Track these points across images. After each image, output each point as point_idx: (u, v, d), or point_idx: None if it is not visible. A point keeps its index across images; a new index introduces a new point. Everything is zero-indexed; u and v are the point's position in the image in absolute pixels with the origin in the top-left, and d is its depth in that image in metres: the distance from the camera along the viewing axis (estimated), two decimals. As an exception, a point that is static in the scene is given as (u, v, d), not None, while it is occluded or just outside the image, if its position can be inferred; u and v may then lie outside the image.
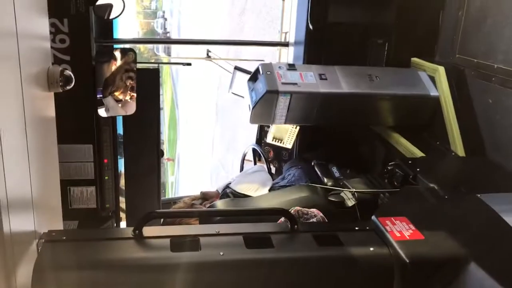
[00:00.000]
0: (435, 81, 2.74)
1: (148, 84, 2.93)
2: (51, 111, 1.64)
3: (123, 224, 3.13)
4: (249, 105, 2.72)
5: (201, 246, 1.40)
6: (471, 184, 2.01)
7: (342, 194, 2.42)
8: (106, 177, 2.90)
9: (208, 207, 2.67)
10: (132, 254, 1.40)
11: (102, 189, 2.90)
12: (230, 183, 2.95)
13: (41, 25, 1.60)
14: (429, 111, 2.75)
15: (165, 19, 24.43)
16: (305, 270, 1.42)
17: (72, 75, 1.56)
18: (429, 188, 1.94)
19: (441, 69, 2.70)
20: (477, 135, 2.48)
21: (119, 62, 2.73)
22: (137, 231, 1.44)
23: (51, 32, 2.49)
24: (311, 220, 2.02)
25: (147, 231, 1.45)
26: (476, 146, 2.47)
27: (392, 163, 2.26)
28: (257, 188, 2.83)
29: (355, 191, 2.37)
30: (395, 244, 1.44)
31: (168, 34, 22.93)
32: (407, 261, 1.39)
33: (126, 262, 1.37)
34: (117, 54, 2.74)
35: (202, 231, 1.48)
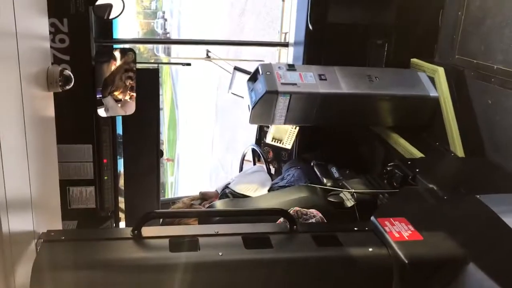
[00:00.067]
0: (434, 81, 2.75)
1: (147, 84, 2.93)
2: (50, 111, 1.64)
3: (122, 224, 3.13)
4: (248, 106, 2.72)
5: (200, 246, 1.40)
6: (470, 185, 2.01)
7: (341, 194, 2.42)
8: (106, 177, 2.90)
9: (207, 207, 2.67)
10: (131, 254, 1.40)
11: (102, 189, 2.90)
12: (229, 183, 2.95)
13: (41, 25, 1.60)
14: (428, 111, 2.75)
15: (165, 20, 24.44)
16: (304, 271, 1.42)
17: (71, 75, 1.56)
18: (428, 189, 1.94)
19: (441, 70, 2.70)
20: (476, 135, 2.48)
21: (118, 62, 2.73)
22: (136, 231, 1.44)
23: (50, 32, 2.49)
24: (310, 221, 2.02)
25: (146, 231, 1.45)
26: (475, 147, 2.47)
27: (392, 163, 2.26)
28: (256, 189, 2.83)
29: (354, 192, 2.37)
30: (394, 245, 1.44)
31: (168, 35, 22.94)
32: (406, 261, 1.39)
33: (125, 262, 1.37)
34: (117, 54, 2.73)
35: (201, 231, 1.48)
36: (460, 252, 1.44)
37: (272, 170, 3.49)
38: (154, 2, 30.06)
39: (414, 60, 2.96)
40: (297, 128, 3.20)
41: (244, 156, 3.70)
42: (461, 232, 1.55)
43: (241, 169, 3.70)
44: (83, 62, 2.62)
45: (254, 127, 3.56)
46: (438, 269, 1.42)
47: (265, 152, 3.47)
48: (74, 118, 2.57)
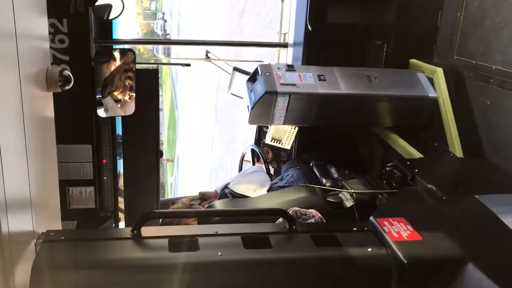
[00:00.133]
0: (433, 82, 2.75)
1: (147, 84, 2.93)
2: (50, 111, 1.64)
3: (121, 225, 3.13)
4: (248, 106, 2.73)
5: (199, 247, 1.40)
6: (469, 185, 2.01)
7: (340, 195, 2.42)
8: (105, 178, 2.90)
9: (206, 208, 2.67)
10: (130, 254, 1.40)
11: (101, 189, 2.90)
12: (228, 184, 2.95)
13: (40, 25, 1.60)
14: (427, 112, 2.75)
15: (165, 21, 24.44)
16: (303, 271, 1.42)
17: (71, 75, 1.56)
18: (427, 189, 1.94)
19: (440, 71, 2.70)
20: (475, 136, 2.48)
21: (118, 63, 2.73)
22: (135, 231, 1.44)
23: (50, 32, 2.49)
24: (309, 221, 2.02)
25: (146, 231, 1.45)
26: (474, 147, 2.47)
27: (391, 164, 2.26)
28: (255, 189, 2.83)
29: (353, 192, 2.38)
30: (393, 245, 1.44)
31: (168, 36, 22.93)
32: (405, 261, 1.39)
33: (124, 262, 1.37)
34: (116, 54, 2.74)
35: (200, 231, 1.49)
36: (459, 252, 1.44)
37: (271, 170, 3.49)
38: (154, 3, 30.07)
39: (413, 60, 2.96)
40: (296, 128, 3.21)
41: (243, 156, 3.71)
42: (460, 232, 1.55)
43: (240, 169, 3.70)
44: (82, 63, 2.62)
45: (254, 128, 3.56)
46: (437, 269, 1.42)
47: (264, 153, 3.48)
48: (74, 119, 2.58)
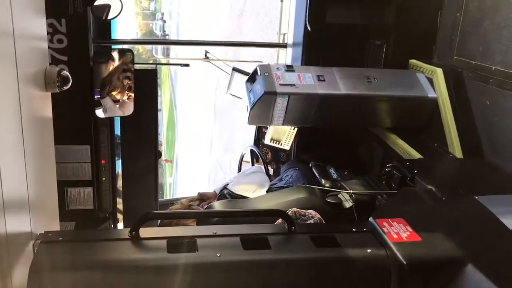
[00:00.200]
0: (433, 82, 2.75)
1: (146, 84, 2.92)
2: (48, 112, 1.64)
3: (120, 225, 3.12)
4: (247, 106, 2.72)
5: (198, 247, 1.40)
6: (469, 186, 2.01)
7: (339, 195, 2.42)
8: (104, 178, 2.90)
9: (205, 208, 2.66)
10: (129, 255, 1.39)
11: (100, 190, 2.90)
12: (227, 184, 2.95)
13: (39, 25, 1.60)
14: (427, 112, 2.75)
15: (164, 22, 24.44)
16: (302, 272, 1.41)
17: (69, 75, 1.56)
18: (427, 190, 1.93)
19: (439, 71, 2.70)
20: (475, 137, 2.48)
21: (117, 63, 2.72)
22: (133, 232, 1.43)
23: (48, 32, 2.49)
24: (308, 222, 2.02)
25: (144, 232, 1.44)
26: (474, 148, 2.47)
27: (390, 164, 2.26)
28: (254, 189, 2.82)
29: (352, 193, 2.37)
30: (392, 246, 1.44)
31: (167, 37, 22.93)
32: (404, 262, 1.39)
33: (122, 263, 1.37)
34: (115, 54, 2.73)
35: (199, 232, 1.48)
36: (458, 253, 1.44)
37: (271, 171, 3.49)
38: (153, 3, 30.07)
39: (412, 61, 2.96)
40: (296, 129, 3.20)
41: (242, 157, 3.70)
42: (459, 233, 1.55)
43: (239, 169, 3.69)
44: (81, 63, 2.62)
45: (253, 128, 3.56)
46: (436, 270, 1.42)
47: (263, 153, 3.47)
48: (72, 119, 2.57)
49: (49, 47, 2.18)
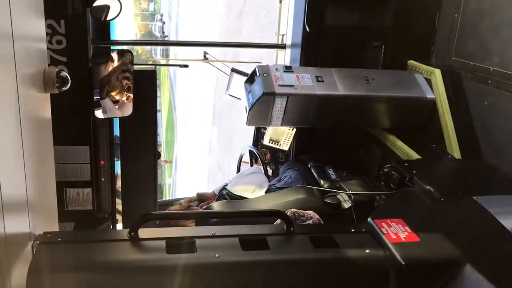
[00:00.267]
0: (431, 83, 2.75)
1: (145, 85, 2.92)
2: (47, 112, 1.64)
3: (119, 226, 3.12)
4: (245, 107, 2.73)
5: (196, 248, 1.40)
6: (467, 187, 2.01)
7: (338, 196, 2.43)
8: (103, 179, 2.90)
9: (204, 209, 2.66)
10: (128, 256, 1.39)
11: (99, 190, 2.90)
12: (226, 185, 2.95)
13: (38, 26, 1.60)
14: (425, 113, 2.75)
15: (163, 23, 24.43)
16: (301, 272, 1.41)
17: (68, 76, 1.56)
18: (425, 191, 1.94)
19: (437, 72, 2.71)
20: (473, 137, 2.49)
21: (116, 64, 2.72)
22: (132, 233, 1.43)
23: (47, 33, 2.49)
24: (307, 222, 2.02)
25: (143, 233, 1.44)
26: (472, 149, 2.48)
27: (388, 165, 2.26)
28: (253, 190, 2.83)
29: (351, 193, 2.38)
30: (391, 246, 1.44)
31: (166, 38, 22.93)
32: (403, 263, 1.39)
33: (121, 264, 1.37)
34: (114, 55, 2.73)
35: (198, 233, 1.48)
36: (457, 254, 1.44)
37: (269, 172, 3.49)
38: (152, 4, 30.07)
39: (411, 62, 2.96)
40: (294, 129, 3.21)
41: (241, 157, 3.70)
42: (458, 233, 1.55)
43: (238, 170, 3.69)
44: (80, 64, 2.62)
45: (252, 129, 3.56)
46: (435, 270, 1.42)
47: (262, 154, 3.48)
48: (71, 120, 2.57)
49: (48, 48, 2.18)
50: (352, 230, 1.58)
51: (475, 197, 1.77)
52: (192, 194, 3.05)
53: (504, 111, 2.30)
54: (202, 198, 2.92)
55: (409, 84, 2.79)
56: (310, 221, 2.04)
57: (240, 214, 2.12)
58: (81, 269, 1.32)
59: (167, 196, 18.89)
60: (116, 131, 2.99)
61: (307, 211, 2.12)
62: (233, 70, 3.34)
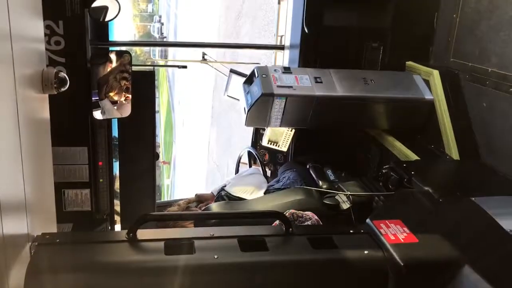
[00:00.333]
0: (429, 84, 2.76)
1: (143, 86, 2.92)
2: (45, 113, 1.64)
3: (117, 227, 3.11)
4: (244, 108, 2.73)
5: (195, 249, 1.40)
6: (466, 188, 2.01)
7: (337, 197, 2.43)
8: (101, 180, 2.89)
9: (203, 210, 2.66)
10: (126, 257, 1.39)
11: (97, 191, 2.89)
12: (225, 186, 2.95)
13: (36, 27, 1.60)
14: (423, 114, 2.76)
15: (162, 24, 24.44)
16: (300, 273, 1.42)
17: (66, 77, 1.55)
18: (424, 192, 1.94)
19: (436, 73, 2.71)
20: (471, 138, 2.49)
21: (114, 64, 2.72)
22: (131, 234, 1.43)
23: (46, 34, 2.48)
24: (306, 223, 2.02)
25: (141, 234, 1.44)
26: (470, 150, 2.48)
27: (387, 166, 2.26)
28: (252, 191, 2.82)
29: (350, 194, 2.38)
30: (390, 247, 1.44)
31: (164, 39, 22.93)
32: (402, 264, 1.39)
33: (119, 265, 1.36)
34: (113, 56, 2.73)
35: (196, 234, 1.48)
36: (455, 254, 1.44)
37: (268, 173, 3.49)
38: (150, 5, 30.08)
39: (409, 63, 2.97)
40: (293, 130, 3.20)
41: (240, 158, 3.70)
42: (456, 234, 1.55)
43: (237, 171, 3.69)
44: (78, 65, 2.61)
45: (250, 130, 3.56)
46: (433, 271, 1.42)
47: (261, 155, 3.47)
48: (69, 121, 2.56)
49: (46, 49, 2.18)
50: (351, 231, 1.58)
51: (473, 198, 1.77)
52: (191, 195, 3.05)
53: (502, 112, 2.31)
54: (200, 199, 2.92)
55: (408, 85, 2.80)
56: (309, 222, 2.04)
57: (239, 215, 2.12)
58: (79, 270, 1.32)
59: (165, 197, 18.88)
60: (115, 132, 2.98)
61: (306, 212, 2.12)
62: (232, 71, 3.34)
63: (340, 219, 2.32)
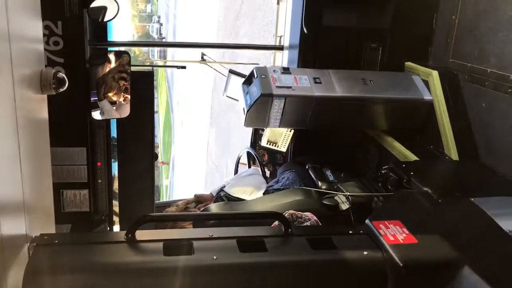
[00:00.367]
0: (428, 85, 2.76)
1: (142, 86, 2.91)
2: (44, 114, 1.63)
3: (116, 228, 3.11)
4: (243, 108, 2.72)
5: (194, 250, 1.39)
6: (465, 188, 2.01)
7: (336, 197, 2.43)
8: (100, 181, 2.88)
9: (202, 211, 2.66)
10: (125, 258, 1.39)
11: (95, 192, 2.88)
12: (224, 186, 2.95)
13: (35, 27, 1.59)
14: (422, 115, 2.76)
15: (161, 24, 24.44)
16: (299, 274, 1.41)
17: (65, 77, 1.55)
18: (423, 192, 1.94)
19: (435, 73, 2.71)
20: (470, 139, 2.49)
21: (113, 65, 2.72)
22: (129, 235, 1.43)
23: (44, 34, 2.48)
24: (305, 224, 2.02)
25: (140, 234, 1.44)
26: (469, 150, 2.48)
27: (386, 166, 2.26)
28: (251, 192, 2.82)
29: (349, 195, 2.38)
30: (389, 248, 1.44)
31: (163, 39, 22.94)
32: (401, 265, 1.39)
33: (118, 266, 1.36)
34: (111, 56, 2.73)
35: (195, 235, 1.48)
36: (454, 255, 1.44)
37: (267, 173, 3.49)
38: (149, 5, 30.09)
39: (408, 63, 2.97)
40: (292, 131, 3.21)
41: (239, 159, 3.70)
42: (455, 235, 1.55)
43: (236, 172, 3.69)
44: (77, 65, 2.61)
45: (249, 130, 3.56)
46: (432, 272, 1.42)
47: (260, 155, 3.47)
48: (68, 121, 2.56)
49: (45, 49, 2.17)
50: (350, 231, 1.58)
51: (472, 199, 1.77)
52: (190, 195, 3.04)
53: (501, 113, 2.31)
54: (199, 200, 2.91)
55: (407, 85, 2.80)
56: (308, 223, 2.03)
57: (238, 216, 2.12)
58: (77, 271, 1.32)
59: (164, 197, 18.88)
60: (113, 133, 2.98)
61: (305, 213, 2.12)
62: (231, 71, 3.34)
63: (339, 220, 2.32)
